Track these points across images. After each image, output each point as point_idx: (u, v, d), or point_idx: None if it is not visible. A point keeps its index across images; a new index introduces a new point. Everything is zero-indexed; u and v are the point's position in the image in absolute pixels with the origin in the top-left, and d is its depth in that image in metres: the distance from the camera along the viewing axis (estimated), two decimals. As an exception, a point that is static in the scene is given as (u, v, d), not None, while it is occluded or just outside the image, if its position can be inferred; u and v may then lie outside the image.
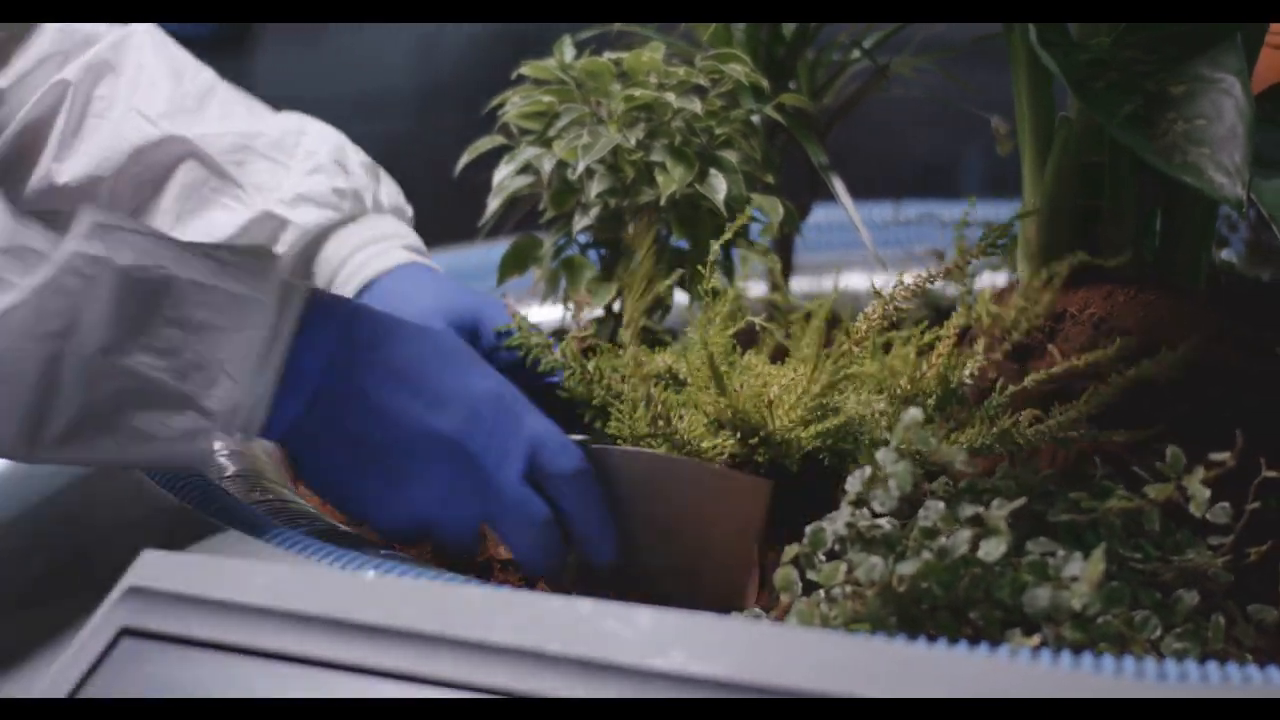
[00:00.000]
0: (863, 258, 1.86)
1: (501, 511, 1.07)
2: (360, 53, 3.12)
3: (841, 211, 1.86)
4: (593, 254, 1.42)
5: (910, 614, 0.94)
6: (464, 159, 1.40)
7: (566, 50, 1.41)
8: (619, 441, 1.16)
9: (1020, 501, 0.91)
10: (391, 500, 1.06)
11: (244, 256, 1.03)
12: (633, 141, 1.31)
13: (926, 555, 0.92)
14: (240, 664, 0.85)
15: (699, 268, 1.15)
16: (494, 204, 1.38)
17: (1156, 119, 1.05)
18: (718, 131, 1.35)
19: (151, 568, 0.89)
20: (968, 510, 0.93)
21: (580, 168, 1.28)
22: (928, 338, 1.19)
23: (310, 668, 0.85)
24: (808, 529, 0.97)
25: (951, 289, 1.68)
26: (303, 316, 1.03)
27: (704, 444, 1.10)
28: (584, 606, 0.85)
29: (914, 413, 0.95)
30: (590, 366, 1.19)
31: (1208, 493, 0.96)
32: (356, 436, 1.04)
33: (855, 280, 1.76)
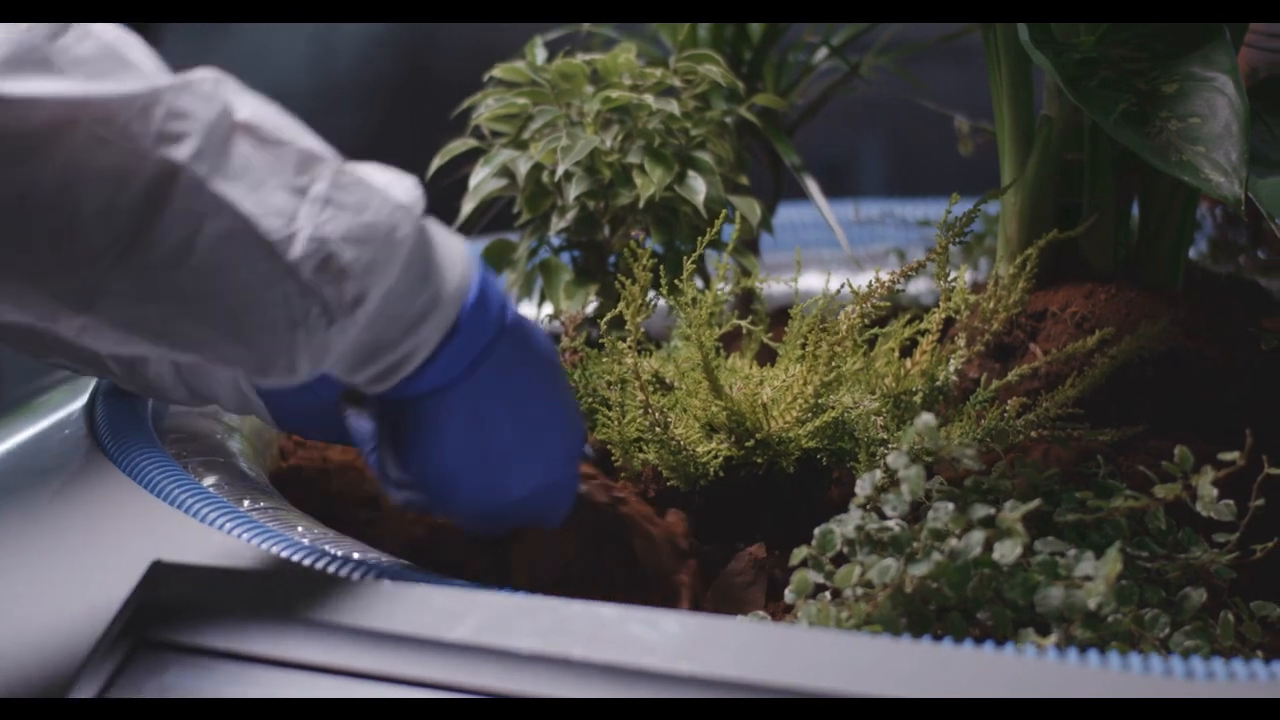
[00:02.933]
0: (818, 257, 1.87)
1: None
2: (262, 52, 3.08)
3: (795, 212, 1.88)
4: (564, 256, 1.41)
5: (920, 615, 0.94)
6: (435, 162, 1.39)
7: (538, 52, 1.40)
8: (609, 447, 1.15)
9: (1035, 503, 0.91)
10: (493, 489, 1.01)
11: None
12: (608, 144, 1.31)
13: (938, 557, 0.92)
14: (258, 674, 0.84)
15: (687, 268, 1.14)
16: (468, 206, 1.37)
17: (1150, 117, 1.05)
18: (693, 133, 1.34)
19: (163, 578, 0.88)
20: (979, 512, 0.93)
21: (560, 170, 1.27)
22: (908, 332, 1.19)
23: (330, 676, 0.84)
24: (816, 531, 0.96)
25: (911, 287, 1.69)
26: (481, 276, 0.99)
27: (699, 448, 1.10)
28: (607, 611, 0.84)
29: (927, 417, 0.94)
30: (576, 376, 1.19)
31: (1215, 492, 0.96)
32: (492, 418, 0.99)
33: (813, 280, 1.76)
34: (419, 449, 0.99)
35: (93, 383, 1.26)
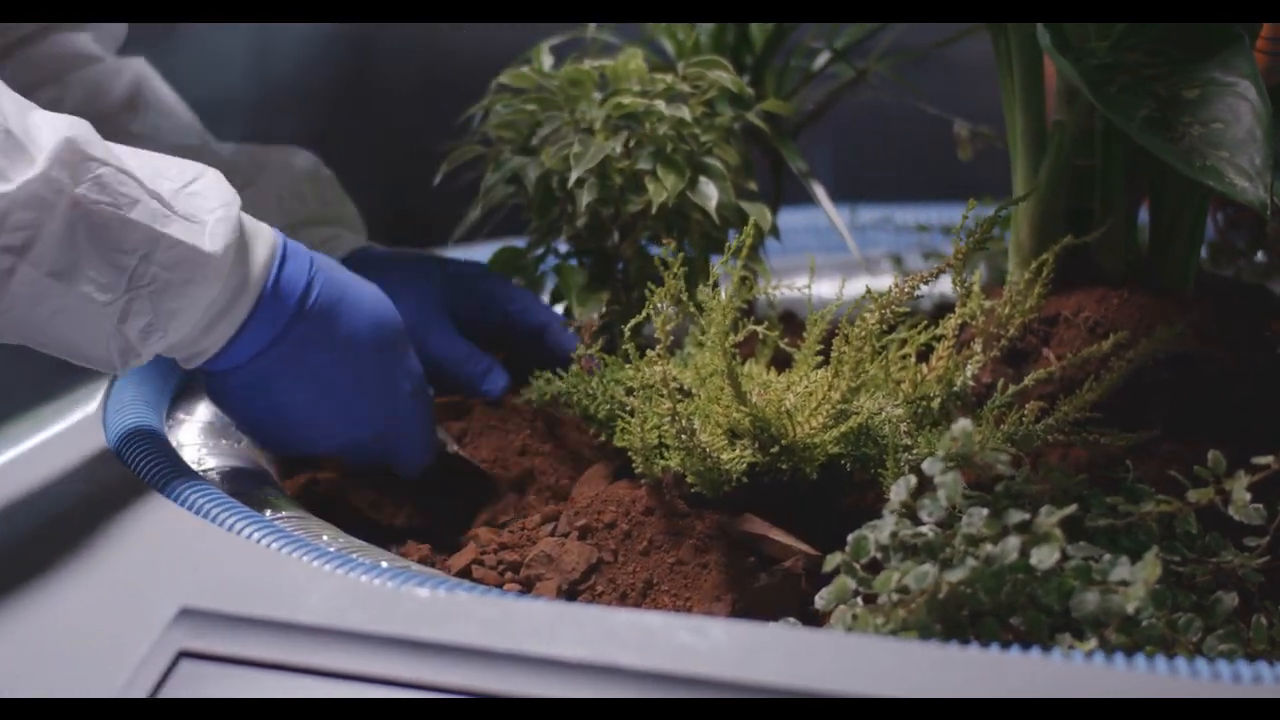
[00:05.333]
0: (805, 263, 1.86)
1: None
2: (208, 55, 3.05)
3: (787, 216, 1.88)
4: (572, 261, 1.41)
5: (954, 620, 0.94)
6: (444, 168, 1.38)
7: (545, 58, 1.39)
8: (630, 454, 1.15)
9: (1072, 508, 0.91)
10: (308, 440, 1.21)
11: (207, 202, 1.09)
12: (618, 150, 1.30)
13: (973, 562, 0.92)
14: (302, 683, 0.84)
15: (713, 274, 1.14)
16: (475, 212, 1.37)
17: (1172, 122, 1.05)
18: (703, 138, 1.34)
19: (200, 588, 0.87)
20: (1014, 517, 0.93)
21: (573, 177, 1.27)
22: (924, 337, 1.19)
23: (369, 684, 0.84)
24: (850, 537, 0.96)
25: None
26: (275, 276, 1.13)
27: (723, 455, 1.09)
28: (654, 620, 0.84)
29: (965, 423, 0.94)
30: (594, 383, 1.18)
31: (1249, 496, 0.96)
32: (283, 389, 1.17)
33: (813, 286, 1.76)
34: (225, 408, 1.19)
35: (101, 392, 1.26)
